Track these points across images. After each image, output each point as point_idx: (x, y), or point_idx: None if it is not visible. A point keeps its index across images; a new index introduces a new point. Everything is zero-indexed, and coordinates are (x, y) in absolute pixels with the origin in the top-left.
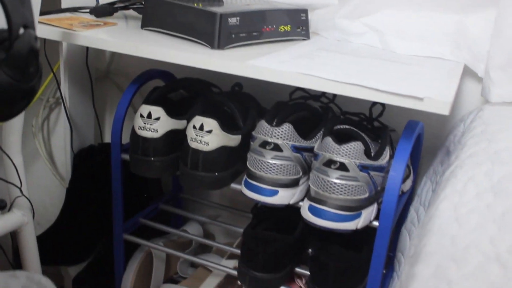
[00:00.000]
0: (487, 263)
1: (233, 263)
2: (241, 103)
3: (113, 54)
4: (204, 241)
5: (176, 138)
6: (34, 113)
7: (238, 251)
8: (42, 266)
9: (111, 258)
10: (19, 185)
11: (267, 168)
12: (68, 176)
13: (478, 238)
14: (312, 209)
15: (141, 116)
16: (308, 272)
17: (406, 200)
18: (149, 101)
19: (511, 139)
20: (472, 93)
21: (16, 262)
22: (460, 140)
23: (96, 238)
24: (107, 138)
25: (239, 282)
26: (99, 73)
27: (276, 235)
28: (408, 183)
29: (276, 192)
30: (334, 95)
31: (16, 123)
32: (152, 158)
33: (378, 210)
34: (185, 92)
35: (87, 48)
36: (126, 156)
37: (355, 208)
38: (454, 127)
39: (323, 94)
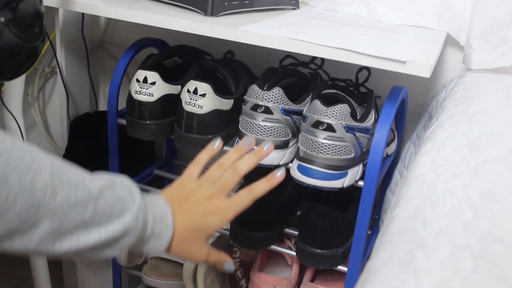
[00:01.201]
0: (460, 206)
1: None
2: (233, 70)
3: (108, 24)
4: None
5: (171, 102)
6: (30, 82)
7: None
8: None
9: None
10: None
11: (258, 130)
12: (63, 144)
13: (453, 185)
14: (300, 168)
15: (137, 80)
16: (297, 232)
17: (391, 163)
18: (145, 66)
19: (488, 102)
20: (455, 61)
21: None
22: (441, 104)
23: None
24: (102, 107)
25: (231, 242)
26: (94, 43)
27: (267, 195)
28: (393, 147)
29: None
30: (322, 62)
31: (18, 86)
32: (148, 122)
33: (364, 172)
34: (179, 59)
35: (83, 17)
36: (122, 121)
37: (342, 168)
38: (437, 94)
39: (312, 60)
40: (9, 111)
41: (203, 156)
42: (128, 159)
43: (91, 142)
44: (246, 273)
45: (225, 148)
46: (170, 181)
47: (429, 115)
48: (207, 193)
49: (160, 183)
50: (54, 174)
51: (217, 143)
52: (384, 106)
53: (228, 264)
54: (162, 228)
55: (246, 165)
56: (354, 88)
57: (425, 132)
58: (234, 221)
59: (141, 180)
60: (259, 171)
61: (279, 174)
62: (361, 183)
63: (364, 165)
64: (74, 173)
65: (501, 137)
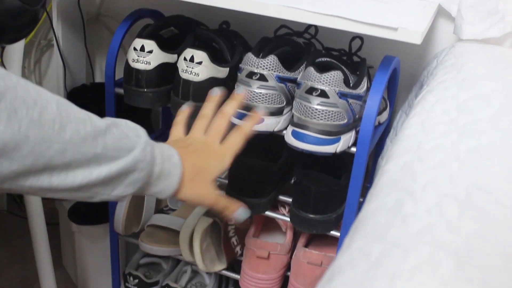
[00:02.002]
0: (447, 160)
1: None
2: (228, 40)
3: None
4: None
5: (168, 71)
6: (26, 55)
7: (224, 181)
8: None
9: None
10: None
11: (253, 97)
12: None
13: (441, 143)
14: (295, 134)
15: (135, 49)
16: (290, 200)
17: (383, 132)
18: (142, 35)
19: (477, 69)
20: (446, 32)
21: None
22: (432, 73)
23: None
24: (98, 78)
25: None
26: (90, 16)
27: (261, 162)
28: (385, 115)
29: (262, 120)
30: (316, 31)
31: (16, 56)
32: (145, 89)
33: (356, 138)
34: (175, 29)
35: None
36: (119, 91)
37: (335, 133)
38: (428, 64)
39: (306, 30)
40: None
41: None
42: None
43: None
44: (241, 240)
45: None
46: None
47: (420, 84)
48: (203, 141)
49: None
50: (60, 109)
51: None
52: (377, 74)
53: (241, 210)
54: (171, 165)
55: (231, 107)
56: (347, 57)
57: (415, 99)
58: (229, 187)
59: None
60: (256, 140)
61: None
62: (353, 149)
63: (357, 132)
64: (79, 110)
65: (488, 100)
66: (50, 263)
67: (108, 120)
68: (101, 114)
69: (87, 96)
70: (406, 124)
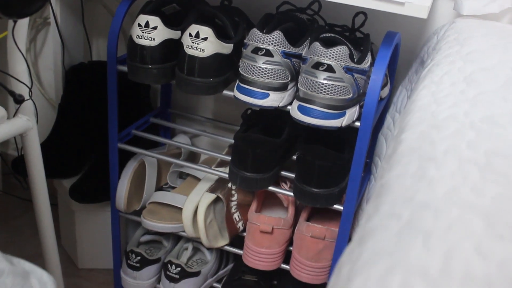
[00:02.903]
0: (463, 129)
1: (222, 170)
2: (230, 17)
3: None
4: (193, 149)
5: (172, 47)
6: None
7: (226, 158)
8: None
9: (104, 168)
10: (29, 85)
11: (259, 72)
12: (57, 96)
13: (454, 112)
14: (301, 108)
15: (139, 25)
16: (292, 175)
17: (383, 107)
18: (145, 11)
19: (480, 43)
20: (446, 9)
21: (15, 170)
22: (434, 47)
23: (88, 151)
24: (96, 57)
25: (229, 185)
26: None
27: (265, 138)
28: (386, 91)
29: (267, 95)
30: (320, 7)
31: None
32: (150, 66)
33: (360, 113)
34: (178, 6)
35: None
36: (121, 68)
37: (340, 107)
38: (428, 40)
39: (309, 6)
40: (19, 49)
41: None
42: (124, 108)
43: (87, 91)
44: (243, 216)
45: (225, 92)
46: (165, 129)
47: (420, 60)
48: None
49: (155, 131)
50: None
51: None
52: (380, 49)
53: None
54: None
55: None
56: (349, 33)
57: (419, 74)
58: (232, 163)
59: (138, 128)
60: (260, 116)
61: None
62: (357, 123)
63: (360, 107)
64: None
65: (494, 72)
66: (54, 242)
67: (3, 267)
68: (102, 92)
69: (86, 75)
70: (416, 96)
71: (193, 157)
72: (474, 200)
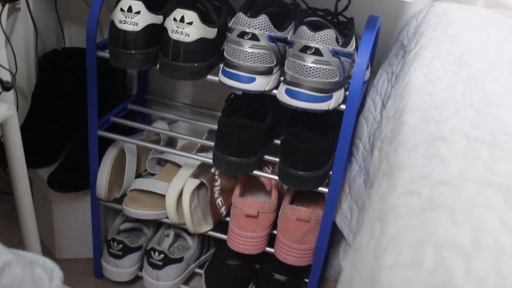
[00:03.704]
0: (463, 109)
1: (203, 155)
2: (212, 2)
3: None
4: (173, 134)
5: (155, 32)
6: None
7: (207, 143)
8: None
9: (82, 156)
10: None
11: (245, 56)
12: (28, 84)
13: (451, 94)
14: (288, 92)
15: (122, 10)
16: (276, 159)
17: (364, 91)
18: None
19: (463, 27)
20: None
21: None
22: (417, 31)
23: (64, 140)
24: (68, 43)
25: (212, 170)
26: None
27: (249, 122)
28: (367, 74)
29: (253, 79)
30: None
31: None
32: (133, 51)
33: (345, 97)
34: None
35: None
36: (100, 54)
37: (328, 91)
38: (407, 24)
39: None
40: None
41: None
42: (101, 95)
43: (62, 79)
44: (225, 201)
45: (210, 77)
46: (142, 115)
47: (400, 43)
48: None
49: (133, 118)
50: None
51: None
52: (364, 32)
53: None
54: None
55: None
56: (332, 17)
57: (401, 57)
58: (216, 148)
59: (116, 115)
60: (243, 101)
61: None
62: (342, 106)
63: (346, 90)
64: None
65: (482, 54)
66: (36, 233)
67: (12, 257)
68: (77, 78)
69: (61, 62)
70: (408, 79)
71: (171, 144)
72: (489, 176)
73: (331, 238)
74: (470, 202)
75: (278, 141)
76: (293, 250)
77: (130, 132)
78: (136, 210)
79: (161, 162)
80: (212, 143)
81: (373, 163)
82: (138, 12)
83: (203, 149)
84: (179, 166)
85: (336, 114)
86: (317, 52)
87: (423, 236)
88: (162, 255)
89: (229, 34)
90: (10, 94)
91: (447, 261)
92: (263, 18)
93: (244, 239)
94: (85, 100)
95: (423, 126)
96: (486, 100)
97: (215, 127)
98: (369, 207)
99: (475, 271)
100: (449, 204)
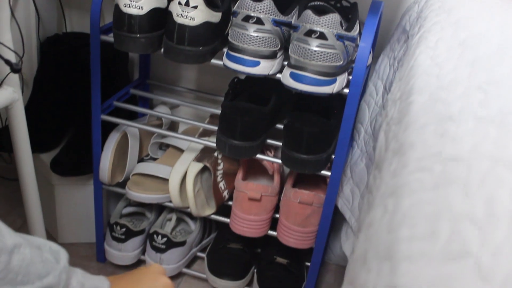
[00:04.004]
0: (470, 90)
1: (206, 139)
2: None
3: None
4: (175, 118)
5: (159, 16)
6: None
7: (209, 127)
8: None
9: (84, 141)
10: (21, 55)
11: (249, 40)
12: (30, 69)
13: (457, 75)
14: (293, 75)
15: None
16: (278, 143)
17: (366, 75)
18: None
19: (466, 11)
20: None
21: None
22: (420, 16)
23: (66, 124)
24: (70, 28)
25: (215, 154)
26: None
27: (253, 105)
28: (370, 59)
29: (257, 63)
30: None
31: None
32: (138, 35)
33: (348, 81)
34: None
35: None
36: (104, 38)
37: (332, 74)
38: (409, 9)
39: None
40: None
41: None
42: (103, 79)
43: (64, 63)
44: (228, 185)
45: (214, 61)
46: (144, 100)
47: (402, 28)
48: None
49: (134, 103)
50: None
51: None
52: (368, 16)
53: None
54: None
55: None
56: (335, 2)
57: (403, 42)
58: (220, 131)
59: (119, 99)
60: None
61: None
62: (346, 90)
63: (349, 74)
64: None
65: (486, 38)
66: (41, 217)
67: (20, 240)
68: (78, 63)
69: (62, 46)
70: (414, 62)
71: (172, 129)
72: (499, 154)
73: (332, 223)
74: (482, 178)
75: (279, 126)
76: (295, 233)
77: (131, 117)
78: (139, 194)
79: (163, 147)
80: (214, 128)
81: (379, 145)
82: None
83: (205, 133)
84: (181, 150)
85: (338, 98)
86: (322, 36)
87: (438, 210)
88: (165, 239)
89: (233, 18)
90: (15, 77)
91: (462, 232)
92: (267, 2)
93: (247, 222)
94: (87, 85)
95: (431, 106)
96: (493, 82)
97: (217, 111)
98: (379, 185)
99: (490, 240)
100: (462, 179)
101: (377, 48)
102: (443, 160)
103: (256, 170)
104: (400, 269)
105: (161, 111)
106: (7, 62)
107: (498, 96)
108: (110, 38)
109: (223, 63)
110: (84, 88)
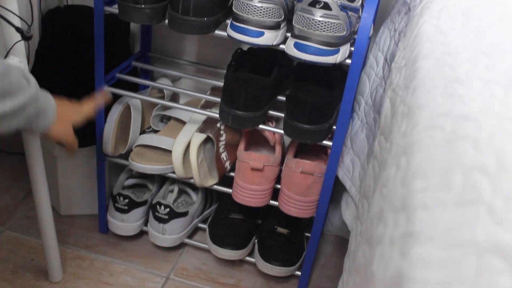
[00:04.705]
0: (476, 55)
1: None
2: None
3: None
4: (178, 90)
5: None
6: None
7: (212, 98)
8: None
9: None
10: (29, 23)
11: (254, 10)
12: (31, 43)
13: (463, 41)
14: (297, 45)
15: None
16: (280, 114)
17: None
18: None
19: None
20: None
21: None
22: None
23: (67, 97)
24: (71, 1)
25: (218, 125)
26: None
27: (256, 76)
28: (371, 31)
29: (261, 34)
30: None
31: None
32: (143, 6)
33: (350, 52)
34: None
35: None
36: (107, 9)
37: (335, 44)
38: None
39: None
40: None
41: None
42: (104, 52)
43: (66, 36)
44: (230, 156)
45: (217, 32)
46: (145, 73)
47: (402, 0)
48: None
49: (135, 75)
50: None
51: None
52: None
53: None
54: (50, 106)
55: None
56: None
57: (404, 14)
58: (223, 102)
59: (121, 71)
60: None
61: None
62: (348, 61)
63: (351, 45)
64: None
65: (489, 7)
66: (46, 189)
67: (6, 61)
68: (80, 36)
69: (63, 19)
70: (418, 30)
71: (174, 101)
72: (507, 112)
73: (331, 194)
74: (492, 134)
75: (281, 97)
76: (297, 203)
77: (133, 90)
78: (142, 164)
79: (164, 119)
80: (217, 99)
81: (384, 112)
82: None
83: (207, 105)
84: (182, 122)
85: (339, 70)
86: (326, 6)
87: (450, 163)
88: (168, 209)
89: None
90: (22, 47)
91: (475, 182)
92: None
93: (249, 192)
94: (88, 58)
95: (438, 70)
96: (497, 47)
97: (218, 84)
98: (389, 148)
99: (502, 188)
100: (472, 135)
101: (377, 21)
102: (453, 119)
103: (257, 141)
104: (416, 216)
105: (164, 82)
106: (18, 29)
107: (503, 59)
108: (114, 9)
109: (227, 34)
110: (86, 61)
